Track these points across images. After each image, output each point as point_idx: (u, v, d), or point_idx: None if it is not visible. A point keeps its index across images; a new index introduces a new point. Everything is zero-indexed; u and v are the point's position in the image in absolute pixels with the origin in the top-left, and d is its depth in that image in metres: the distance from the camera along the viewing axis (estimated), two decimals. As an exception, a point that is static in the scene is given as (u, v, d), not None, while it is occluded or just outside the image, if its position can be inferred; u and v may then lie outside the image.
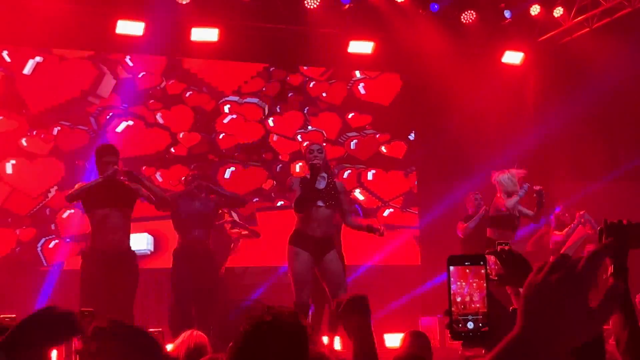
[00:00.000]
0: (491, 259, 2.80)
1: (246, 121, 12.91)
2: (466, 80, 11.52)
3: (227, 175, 12.64)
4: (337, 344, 8.78)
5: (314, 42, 11.62)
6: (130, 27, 10.63)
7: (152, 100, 12.38)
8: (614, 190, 11.38)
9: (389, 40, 11.65)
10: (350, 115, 13.18)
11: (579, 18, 11.59)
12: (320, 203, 7.50)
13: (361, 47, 11.74)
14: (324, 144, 8.52)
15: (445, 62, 11.30)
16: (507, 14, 11.79)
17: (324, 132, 13.15)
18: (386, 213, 13.01)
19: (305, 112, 13.09)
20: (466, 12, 11.56)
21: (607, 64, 10.90)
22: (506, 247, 2.93)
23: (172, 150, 12.35)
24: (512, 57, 12.28)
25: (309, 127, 13.05)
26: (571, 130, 12.11)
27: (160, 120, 12.46)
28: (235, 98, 12.95)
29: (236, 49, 11.51)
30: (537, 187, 8.88)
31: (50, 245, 11.42)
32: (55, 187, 11.71)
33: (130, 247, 7.93)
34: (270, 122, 12.90)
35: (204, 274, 8.36)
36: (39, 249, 11.35)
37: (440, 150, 12.33)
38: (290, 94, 12.93)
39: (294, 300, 7.37)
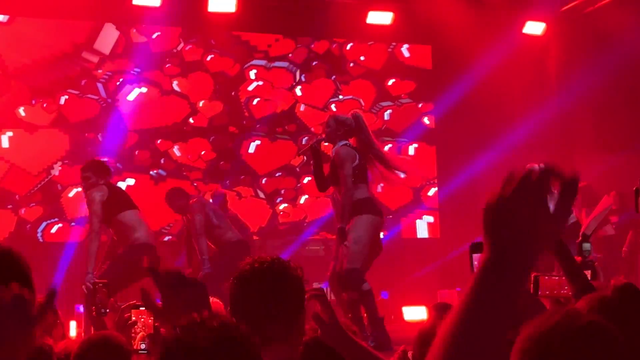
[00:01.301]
0: None
1: (274, 88, 12.06)
2: (487, 51, 11.36)
3: (251, 149, 11.80)
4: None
5: (332, 13, 11.46)
6: (147, -2, 10.52)
7: (169, 65, 11.54)
8: (638, 162, 11.21)
9: (408, 11, 11.49)
10: (390, 82, 12.49)
11: (603, -13, 11.38)
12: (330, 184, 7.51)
13: (380, 17, 11.58)
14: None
15: (465, 33, 11.14)
16: (529, -17, 11.60)
17: (361, 100, 12.35)
18: (431, 192, 12.50)
19: (332, 79, 12.30)
20: (487, -18, 11.39)
21: (630, 33, 10.70)
22: None
23: (191, 120, 11.56)
24: (534, 28, 12.09)
25: (340, 96, 12.25)
26: (594, 102, 11.93)
27: (177, 88, 11.55)
28: (263, 62, 12.04)
29: (254, 20, 11.36)
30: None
31: (53, 230, 10.63)
32: (60, 163, 10.82)
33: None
34: (298, 90, 12.16)
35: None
36: (39, 234, 10.57)
37: (461, 122, 12.19)
38: (314, 63, 12.24)
39: None
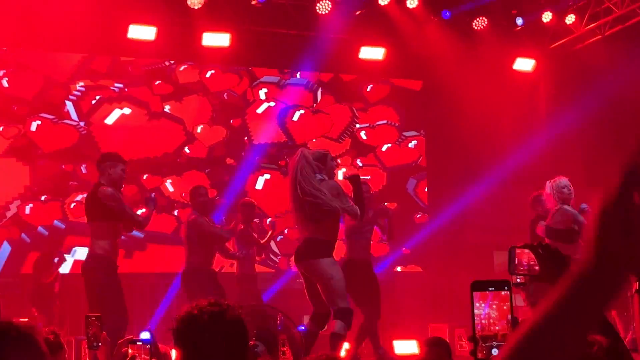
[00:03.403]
0: (526, 253, 2.72)
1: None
2: (478, 87, 11.48)
3: (259, 185, 10.43)
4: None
5: (325, 48, 11.57)
6: (142, 32, 10.52)
7: (159, 82, 10.24)
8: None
9: (400, 46, 11.62)
10: None
11: (591, 25, 11.55)
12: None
13: (372, 53, 11.70)
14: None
15: (456, 69, 11.27)
16: (519, 21, 11.74)
17: (396, 124, 11.49)
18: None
19: (345, 105, 11.33)
20: (478, 19, 11.53)
21: (618, 71, 10.85)
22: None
23: (187, 150, 10.26)
24: (524, 64, 12.25)
25: (357, 125, 11.29)
26: (583, 138, 12.06)
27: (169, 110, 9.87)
28: (275, 79, 10.78)
29: (247, 55, 11.44)
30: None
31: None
32: (18, 202, 9.23)
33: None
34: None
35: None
36: None
37: (451, 156, 12.29)
38: (319, 90, 11.31)
39: (340, 307, 6.88)
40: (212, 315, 2.39)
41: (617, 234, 1.13)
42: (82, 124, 9.56)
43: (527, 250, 2.72)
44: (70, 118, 9.68)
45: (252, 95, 10.84)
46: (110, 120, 9.72)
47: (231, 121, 10.79)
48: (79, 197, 9.10)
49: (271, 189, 10.35)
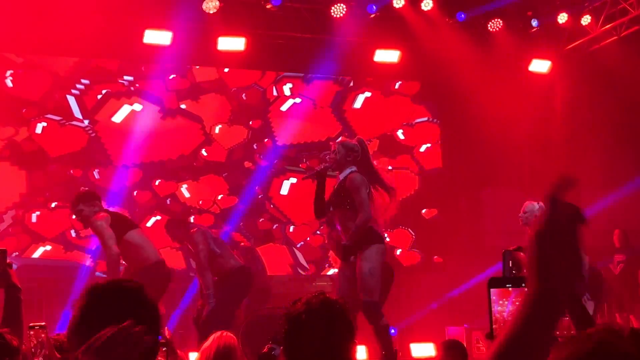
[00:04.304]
0: (523, 257, 2.76)
1: (315, 108, 10.17)
2: (493, 89, 11.47)
3: (284, 190, 9.67)
4: (363, 353, 8.74)
5: (340, 51, 11.57)
6: (157, 37, 10.54)
7: (174, 76, 9.69)
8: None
9: (415, 49, 11.61)
10: None
11: (607, 26, 11.51)
12: (331, 207, 7.00)
13: (387, 55, 11.70)
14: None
15: (472, 71, 11.25)
16: (534, 22, 11.72)
17: (438, 121, 10.85)
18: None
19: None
20: (493, 21, 11.51)
21: (635, 71, 10.81)
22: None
23: (204, 152, 9.63)
24: (540, 66, 12.21)
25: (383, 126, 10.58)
26: (599, 139, 12.00)
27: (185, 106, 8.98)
28: (300, 73, 10.09)
29: (263, 58, 11.46)
30: None
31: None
32: (13, 212, 8.44)
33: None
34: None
35: None
36: None
37: (467, 159, 12.27)
38: (351, 83, 10.71)
39: None
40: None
41: (553, 256, 1.30)
42: (86, 122, 8.74)
43: (522, 254, 2.77)
44: (74, 116, 8.94)
45: (276, 91, 10.12)
46: (118, 118, 8.92)
47: (250, 122, 10.07)
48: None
49: (298, 195, 9.40)
